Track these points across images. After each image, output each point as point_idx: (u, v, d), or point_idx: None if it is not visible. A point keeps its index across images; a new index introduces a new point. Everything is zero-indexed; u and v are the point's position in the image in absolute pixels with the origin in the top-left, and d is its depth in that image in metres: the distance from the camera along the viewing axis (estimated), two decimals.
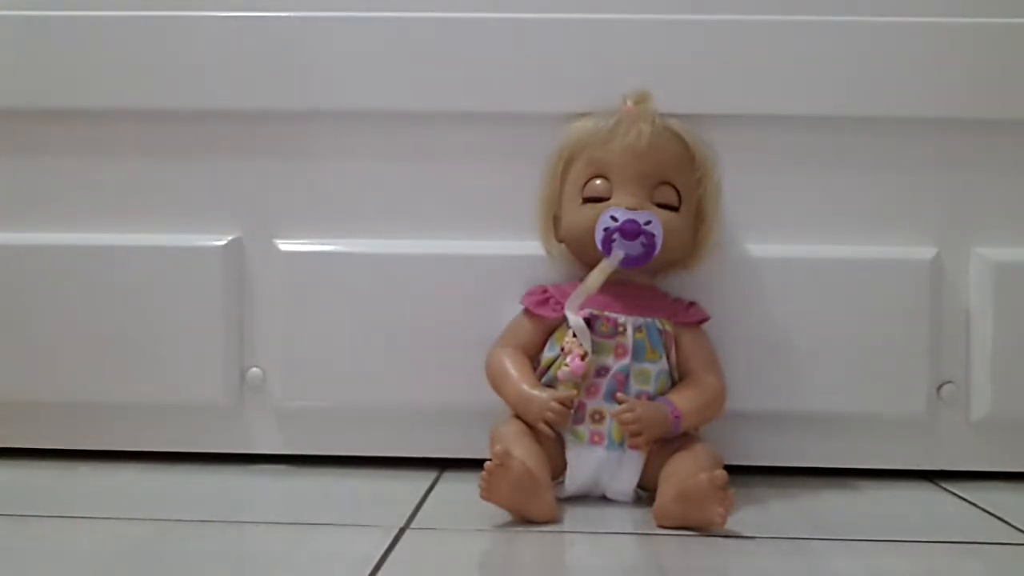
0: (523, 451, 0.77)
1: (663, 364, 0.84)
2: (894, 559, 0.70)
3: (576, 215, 0.86)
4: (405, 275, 0.94)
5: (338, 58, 0.94)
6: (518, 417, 0.84)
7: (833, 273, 0.92)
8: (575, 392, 0.82)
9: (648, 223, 0.82)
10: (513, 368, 0.85)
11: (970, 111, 0.92)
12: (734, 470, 0.90)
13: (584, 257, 0.87)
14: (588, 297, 0.83)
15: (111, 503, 0.82)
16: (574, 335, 0.82)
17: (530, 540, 0.73)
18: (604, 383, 0.83)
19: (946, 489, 0.90)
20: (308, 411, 0.95)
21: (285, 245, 0.95)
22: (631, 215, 0.82)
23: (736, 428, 0.91)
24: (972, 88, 0.92)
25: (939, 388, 0.93)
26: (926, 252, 0.93)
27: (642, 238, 0.81)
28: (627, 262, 0.82)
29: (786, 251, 0.93)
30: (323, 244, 0.95)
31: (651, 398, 0.83)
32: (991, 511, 0.83)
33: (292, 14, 0.94)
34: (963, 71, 0.92)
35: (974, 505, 0.85)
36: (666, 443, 0.82)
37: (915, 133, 0.93)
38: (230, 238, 0.95)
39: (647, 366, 0.83)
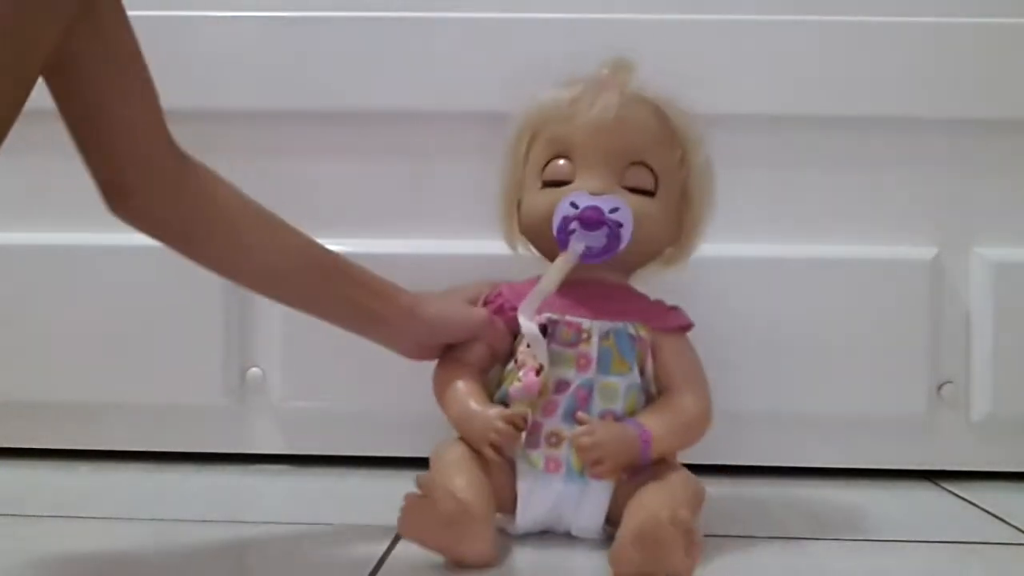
0: (464, 480, 0.67)
1: (634, 377, 0.72)
2: (894, 559, 0.70)
3: (533, 202, 0.76)
4: (405, 275, 0.93)
5: (338, 58, 0.94)
6: (464, 439, 0.73)
7: (833, 273, 0.92)
8: (527, 410, 0.70)
9: (614, 210, 0.70)
10: (461, 381, 0.74)
11: (970, 111, 0.92)
12: (734, 470, 0.91)
13: (546, 251, 0.77)
14: (545, 299, 0.72)
15: (111, 503, 0.82)
16: (528, 345, 0.71)
17: None
18: (563, 400, 0.71)
19: (946, 489, 0.90)
20: (308, 411, 0.95)
21: None
22: (594, 201, 0.71)
23: (736, 428, 0.91)
24: (972, 88, 0.92)
25: (939, 388, 0.93)
26: (926, 252, 0.93)
27: (606, 228, 0.70)
28: (588, 256, 0.71)
29: (786, 251, 0.93)
30: (323, 244, 0.95)
31: (618, 418, 0.71)
32: (991, 511, 0.83)
33: (292, 14, 0.94)
34: (963, 71, 0.92)
35: (974, 505, 0.85)
36: (638, 471, 0.70)
37: (915, 133, 0.93)
38: None
39: (614, 380, 0.71)
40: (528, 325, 0.71)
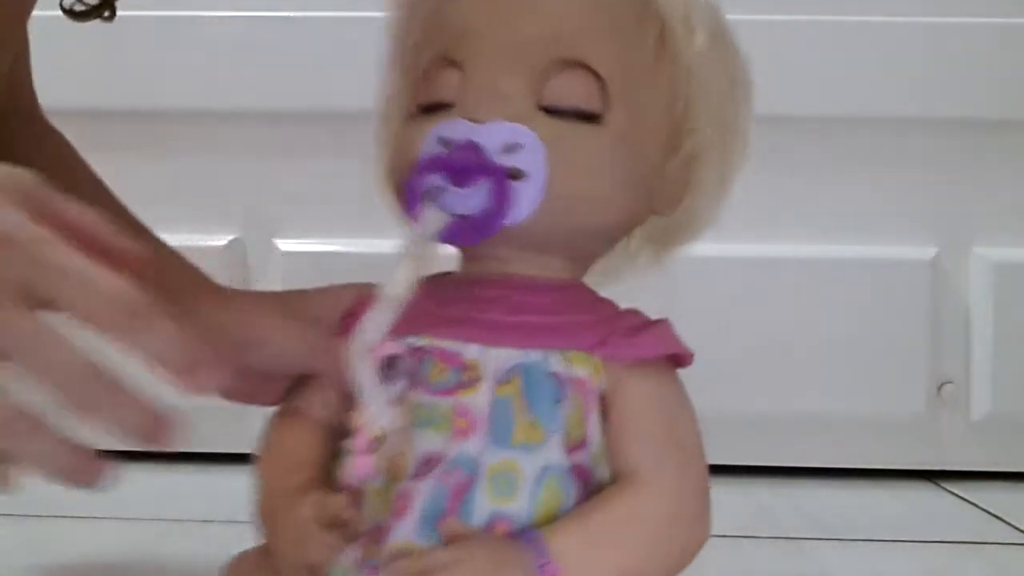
0: None
1: (553, 452, 0.38)
2: (894, 559, 0.70)
3: (398, 139, 0.43)
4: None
5: (338, 58, 0.93)
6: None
7: (833, 273, 0.92)
8: (344, 500, 0.38)
9: (512, 148, 0.38)
10: (286, 445, 0.44)
11: (970, 111, 0.92)
12: (734, 470, 0.91)
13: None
14: (397, 313, 0.38)
15: (111, 503, 0.82)
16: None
17: None
18: (424, 491, 0.38)
19: (946, 489, 0.90)
20: None
21: (285, 245, 0.95)
22: (473, 133, 0.39)
23: (736, 428, 0.91)
24: (972, 88, 0.92)
25: (939, 388, 0.93)
26: (926, 252, 0.93)
27: (489, 183, 0.38)
28: (457, 232, 0.39)
29: (786, 251, 0.93)
30: (323, 244, 0.95)
31: (515, 531, 0.38)
32: (991, 511, 0.83)
33: (292, 14, 0.94)
34: (963, 71, 0.92)
35: (974, 505, 0.85)
36: None
37: (915, 133, 0.93)
38: (230, 238, 0.95)
39: (516, 457, 0.38)
40: (359, 362, 0.37)
